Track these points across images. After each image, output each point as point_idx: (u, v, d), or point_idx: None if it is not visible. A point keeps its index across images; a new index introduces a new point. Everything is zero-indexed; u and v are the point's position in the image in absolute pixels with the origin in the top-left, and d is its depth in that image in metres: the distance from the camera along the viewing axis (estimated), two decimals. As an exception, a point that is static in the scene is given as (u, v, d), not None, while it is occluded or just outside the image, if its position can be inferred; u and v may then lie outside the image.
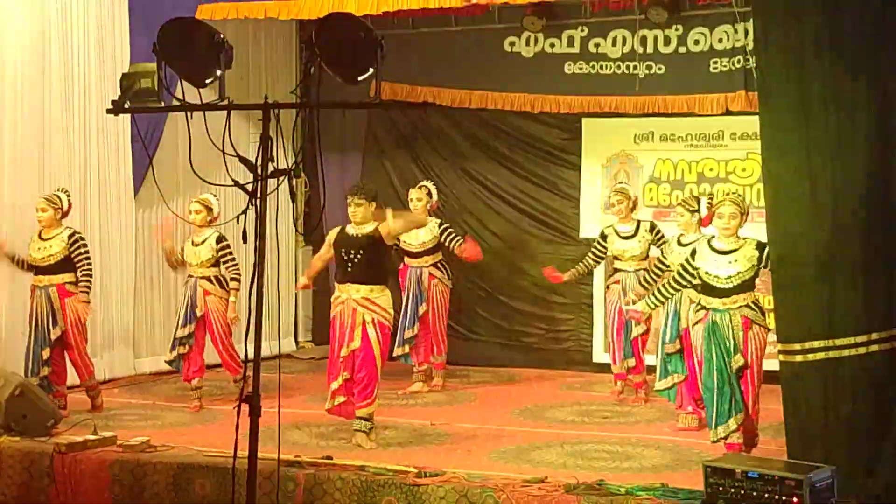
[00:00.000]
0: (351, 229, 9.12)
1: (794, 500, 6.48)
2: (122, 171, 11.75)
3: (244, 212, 6.33)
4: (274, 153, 6.15)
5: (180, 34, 6.30)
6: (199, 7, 11.15)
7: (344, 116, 12.43)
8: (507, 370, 12.63)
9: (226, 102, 6.23)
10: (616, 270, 10.98)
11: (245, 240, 6.53)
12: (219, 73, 6.25)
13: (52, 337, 10.19)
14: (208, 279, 10.64)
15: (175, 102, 6.39)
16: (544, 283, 12.91)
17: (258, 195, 6.14)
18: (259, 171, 6.12)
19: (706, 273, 8.28)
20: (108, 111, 6.52)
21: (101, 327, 11.62)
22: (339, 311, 9.04)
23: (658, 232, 10.81)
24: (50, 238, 10.26)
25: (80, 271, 10.26)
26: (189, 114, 6.30)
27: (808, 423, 7.01)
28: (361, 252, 8.97)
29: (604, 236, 11.02)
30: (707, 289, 8.31)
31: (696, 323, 8.43)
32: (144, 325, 12.18)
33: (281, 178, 6.17)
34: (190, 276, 10.74)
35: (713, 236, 8.42)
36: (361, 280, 8.98)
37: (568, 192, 12.91)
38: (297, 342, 14.10)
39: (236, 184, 6.28)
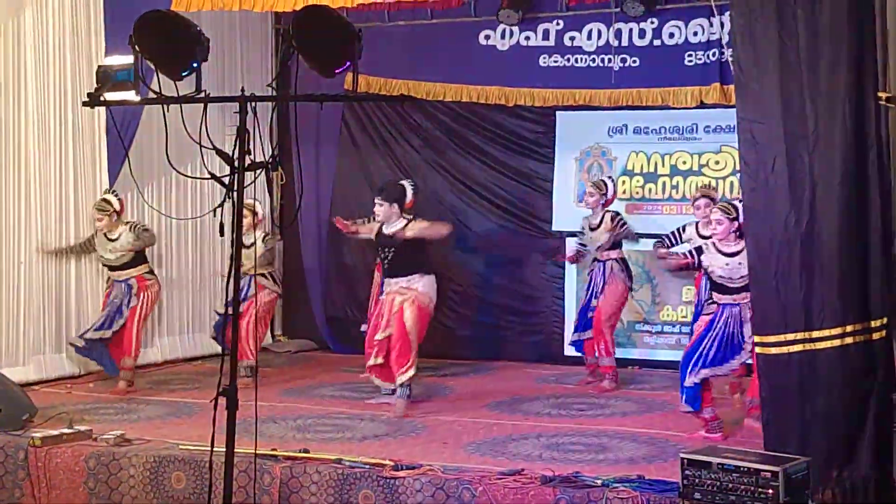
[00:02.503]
0: (385, 228, 10.03)
1: (770, 491, 6.51)
2: (98, 164, 11.67)
3: (221, 204, 6.33)
4: (250, 146, 6.15)
5: (156, 26, 6.28)
6: (174, -1, 11.09)
7: (321, 109, 12.40)
8: (482, 363, 12.64)
9: (203, 95, 6.23)
10: (594, 260, 11.12)
11: (222, 233, 6.52)
12: (195, 65, 6.24)
13: (126, 315, 10.91)
14: (263, 276, 11.44)
15: (151, 95, 6.38)
16: (517, 276, 12.96)
17: (235, 188, 6.13)
18: (236, 163, 6.11)
19: (719, 276, 8.80)
20: (84, 104, 6.50)
21: (77, 321, 11.55)
22: (386, 299, 10.02)
23: (620, 221, 10.99)
24: (116, 238, 10.91)
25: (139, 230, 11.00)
26: (165, 106, 6.29)
27: (784, 415, 7.05)
28: (394, 250, 9.92)
29: (582, 227, 11.20)
30: (717, 287, 8.85)
31: (707, 314, 8.96)
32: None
33: (258, 171, 6.17)
34: (244, 274, 11.04)
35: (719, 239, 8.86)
36: (398, 274, 9.97)
37: (541, 185, 12.92)
38: (273, 335, 14.06)
39: (213, 176, 6.28)
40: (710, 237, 9.24)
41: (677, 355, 11.65)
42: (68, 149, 11.42)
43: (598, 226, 10.96)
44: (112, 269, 11.05)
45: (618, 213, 11.12)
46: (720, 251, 8.82)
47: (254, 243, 11.10)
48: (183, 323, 12.89)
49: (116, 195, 11.01)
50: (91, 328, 11.00)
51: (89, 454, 8.41)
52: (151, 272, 11.20)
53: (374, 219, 10.37)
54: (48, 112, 11.26)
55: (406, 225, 9.96)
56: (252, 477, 7.74)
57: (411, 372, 9.79)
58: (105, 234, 10.95)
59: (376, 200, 10.11)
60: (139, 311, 11.02)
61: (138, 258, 11.06)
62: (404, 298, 9.88)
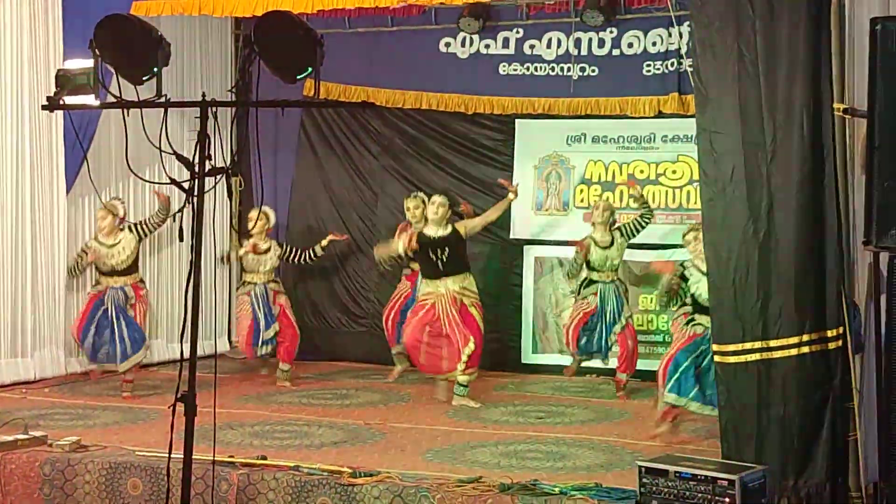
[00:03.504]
0: (430, 231, 10.67)
1: (727, 499, 6.56)
2: (56, 168, 11.59)
3: (181, 210, 6.32)
4: (210, 151, 6.13)
5: (117, 30, 6.27)
6: (134, 3, 11.03)
7: (283, 115, 12.38)
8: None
9: (163, 100, 6.21)
10: (591, 282, 11.14)
11: (181, 238, 6.50)
12: (156, 70, 6.22)
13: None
14: (275, 281, 11.89)
15: (111, 99, 6.36)
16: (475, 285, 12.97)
17: (195, 193, 6.12)
18: (196, 168, 6.09)
19: (700, 296, 8.93)
20: (44, 107, 6.48)
21: (32, 326, 11.48)
22: (437, 302, 10.56)
23: (623, 228, 11.22)
24: (116, 243, 11.13)
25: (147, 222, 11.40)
26: (125, 111, 6.27)
27: (742, 423, 7.09)
28: (449, 250, 10.55)
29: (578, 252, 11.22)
30: (700, 308, 8.99)
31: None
32: (76, 324, 12.02)
33: (219, 177, 6.15)
34: (252, 283, 11.77)
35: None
36: (453, 272, 10.59)
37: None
38: (230, 342, 13.97)
39: (173, 181, 6.26)
40: None
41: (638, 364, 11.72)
42: (24, 152, 11.34)
43: (611, 245, 11.08)
44: (110, 274, 11.14)
45: (620, 228, 11.27)
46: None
47: (269, 248, 11.65)
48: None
49: (122, 202, 11.32)
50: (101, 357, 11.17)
51: (45, 460, 8.35)
52: (142, 281, 11.45)
53: (397, 233, 11.54)
54: (4, 115, 11.18)
55: (455, 226, 10.74)
56: (209, 484, 7.71)
57: (475, 375, 10.70)
58: (101, 242, 11.09)
59: (438, 201, 10.71)
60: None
61: (135, 266, 11.26)
62: (472, 302, 10.66)
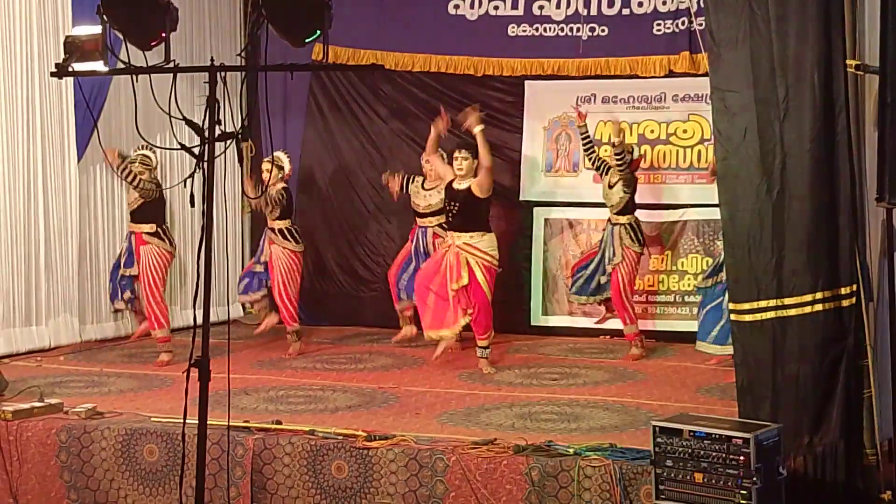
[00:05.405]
0: (455, 183, 10.55)
1: (741, 458, 6.54)
2: (66, 136, 11.58)
3: (191, 175, 6.32)
4: (220, 116, 6.13)
5: (125, -4, 6.26)
6: (140, -31, 10.97)
7: (292, 79, 12.32)
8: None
9: (172, 65, 6.21)
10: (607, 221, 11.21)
11: (192, 203, 6.49)
12: (164, 35, 6.21)
13: (130, 275, 11.31)
14: (272, 231, 11.55)
15: (120, 65, 6.35)
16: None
17: (205, 158, 6.12)
18: (206, 134, 6.09)
19: None
20: (53, 74, 6.48)
21: (46, 294, 11.50)
22: (446, 251, 10.53)
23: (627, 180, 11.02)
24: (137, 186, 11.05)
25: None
26: (134, 77, 6.26)
27: (757, 381, 7.08)
28: (459, 204, 10.41)
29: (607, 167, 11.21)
30: None
31: None
32: (90, 292, 12.01)
33: (228, 142, 6.15)
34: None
35: None
36: (461, 228, 10.43)
37: (509, 156, 12.86)
38: (244, 308, 13.97)
39: (183, 147, 6.26)
40: None
41: (649, 324, 11.72)
42: (35, 120, 11.31)
43: (615, 185, 11.00)
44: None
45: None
46: None
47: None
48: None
49: (154, 151, 11.10)
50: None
51: (61, 427, 8.38)
52: (155, 234, 11.12)
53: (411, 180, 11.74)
54: (15, 83, 11.14)
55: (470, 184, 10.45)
56: (225, 449, 7.73)
57: (490, 339, 10.59)
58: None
59: (460, 155, 10.55)
60: (144, 279, 11.11)
61: (147, 215, 11.10)
62: (477, 261, 10.39)
